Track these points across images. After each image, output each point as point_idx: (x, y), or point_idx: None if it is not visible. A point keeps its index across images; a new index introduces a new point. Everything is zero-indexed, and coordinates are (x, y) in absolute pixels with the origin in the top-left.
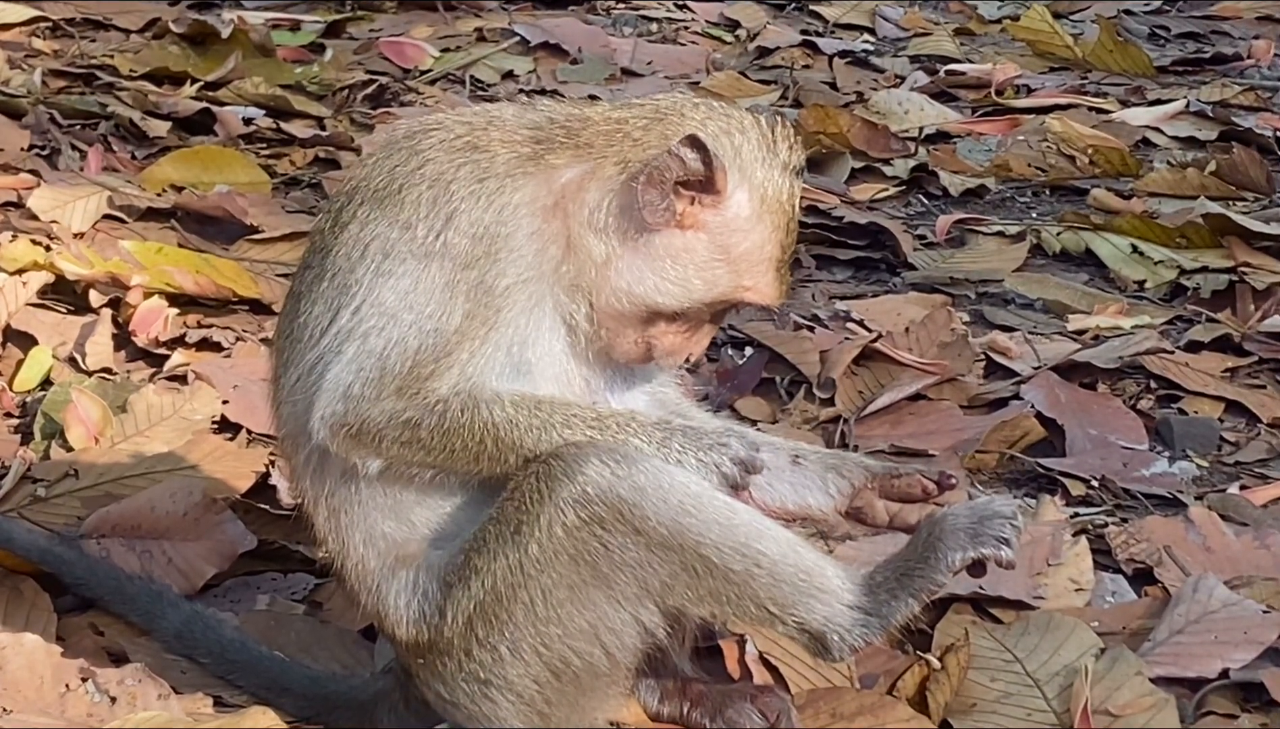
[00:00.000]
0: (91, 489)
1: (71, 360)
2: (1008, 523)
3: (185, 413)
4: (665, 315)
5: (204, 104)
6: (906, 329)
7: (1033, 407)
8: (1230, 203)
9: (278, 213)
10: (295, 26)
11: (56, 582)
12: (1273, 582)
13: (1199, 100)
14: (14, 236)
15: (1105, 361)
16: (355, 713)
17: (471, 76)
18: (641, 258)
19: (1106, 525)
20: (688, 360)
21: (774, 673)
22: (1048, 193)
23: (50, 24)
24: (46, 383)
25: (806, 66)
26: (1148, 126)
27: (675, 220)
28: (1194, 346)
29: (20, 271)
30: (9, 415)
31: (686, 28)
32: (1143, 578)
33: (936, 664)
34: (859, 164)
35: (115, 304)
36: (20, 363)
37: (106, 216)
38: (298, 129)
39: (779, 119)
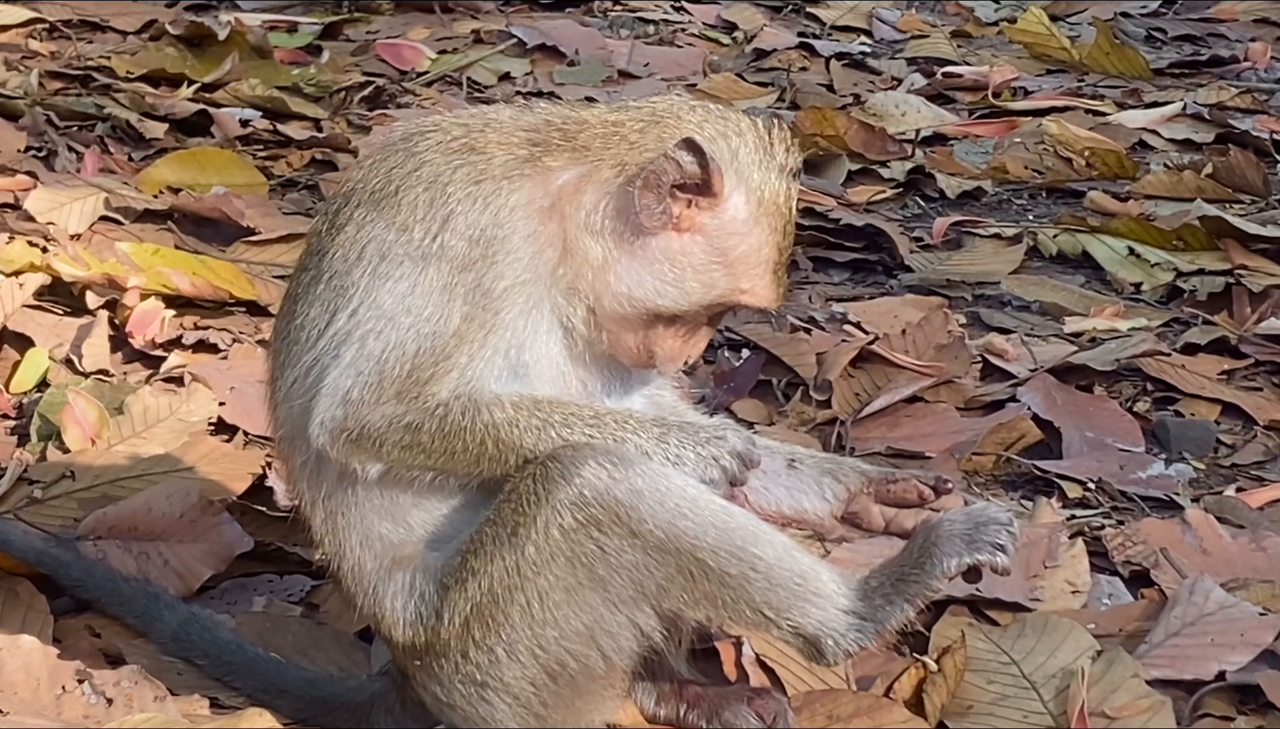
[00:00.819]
0: (88, 491)
1: (68, 362)
2: (1004, 529)
3: (182, 414)
4: (664, 318)
5: (201, 106)
6: (903, 331)
7: (1029, 409)
8: (1227, 205)
9: (274, 214)
10: (292, 28)
11: (53, 583)
12: (1269, 584)
13: (1196, 103)
14: (10, 238)
15: (1102, 364)
16: (352, 715)
17: (468, 78)
18: (639, 261)
19: (1103, 527)
20: (685, 362)
21: (771, 675)
22: (1044, 195)
23: (47, 25)
24: (43, 384)
25: (803, 69)
26: (1144, 129)
27: (672, 223)
28: (1190, 349)
29: (17, 273)
30: (5, 417)
31: (683, 30)
32: (1139, 580)
33: (933, 666)
34: (856, 166)
35: (112, 306)
36: (17, 364)
37: (103, 218)
38: (294, 131)
39: (776, 121)
